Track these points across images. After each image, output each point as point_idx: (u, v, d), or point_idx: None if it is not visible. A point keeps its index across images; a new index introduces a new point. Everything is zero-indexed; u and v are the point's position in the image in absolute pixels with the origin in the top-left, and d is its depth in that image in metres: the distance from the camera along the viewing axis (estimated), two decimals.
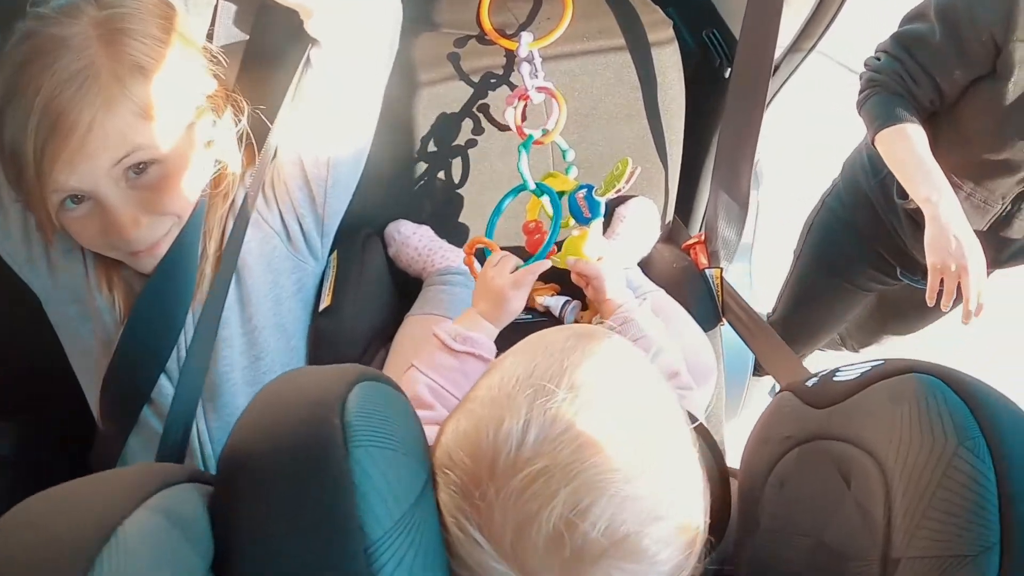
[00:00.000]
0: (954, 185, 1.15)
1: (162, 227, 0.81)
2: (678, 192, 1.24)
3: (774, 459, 0.60)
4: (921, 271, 1.28)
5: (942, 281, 1.13)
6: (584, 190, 0.96)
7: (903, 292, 1.49)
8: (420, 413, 0.59)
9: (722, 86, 1.14)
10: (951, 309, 1.21)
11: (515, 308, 0.89)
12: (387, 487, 0.44)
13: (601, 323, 0.94)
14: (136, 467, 0.48)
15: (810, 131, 2.40)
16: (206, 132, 0.84)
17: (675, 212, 1.25)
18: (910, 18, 1.17)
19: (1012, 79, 1.06)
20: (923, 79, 1.14)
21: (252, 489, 0.43)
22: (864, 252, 1.43)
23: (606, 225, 1.19)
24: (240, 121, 0.89)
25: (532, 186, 1.02)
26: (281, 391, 0.49)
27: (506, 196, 1.03)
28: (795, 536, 0.55)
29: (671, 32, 1.12)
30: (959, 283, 1.11)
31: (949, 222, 1.11)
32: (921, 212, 1.14)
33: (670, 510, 0.48)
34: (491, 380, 0.54)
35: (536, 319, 1.08)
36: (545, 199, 1.02)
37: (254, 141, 0.91)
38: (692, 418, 0.56)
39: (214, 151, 0.86)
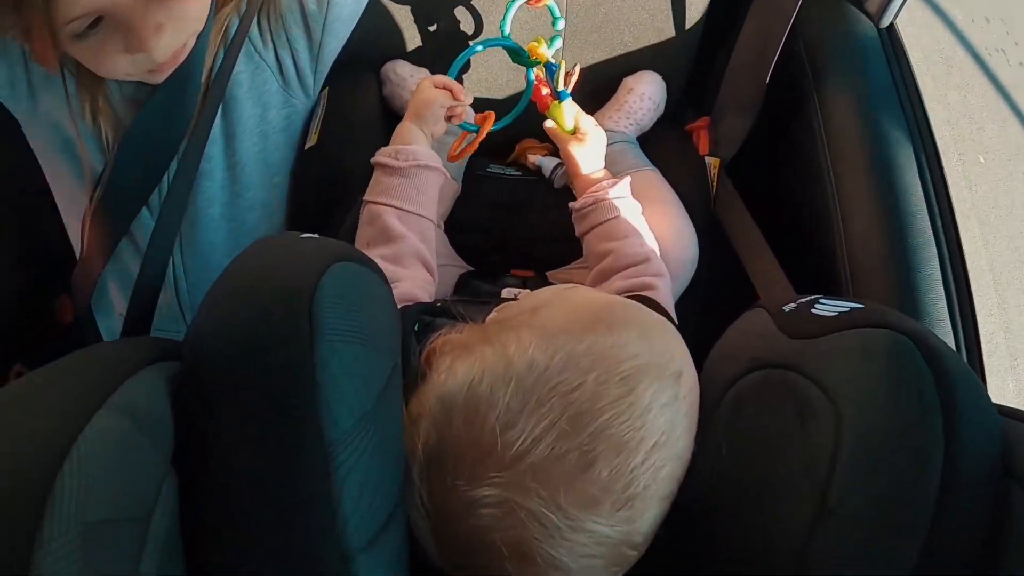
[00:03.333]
0: None
1: (182, 34, 0.74)
2: (692, 70, 1.17)
3: (736, 376, 0.59)
4: None
5: None
6: (547, 70, 0.93)
7: None
8: (387, 271, 0.57)
9: None
10: None
11: (429, 106, 0.87)
12: (351, 386, 0.41)
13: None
14: (101, 353, 0.44)
15: None
16: None
17: (684, 91, 1.20)
18: None
19: None
20: None
21: (213, 382, 0.41)
22: None
23: (610, 94, 1.15)
24: None
25: (504, 36, 0.97)
26: (252, 270, 0.45)
27: (479, 44, 0.95)
28: (741, 462, 0.56)
29: None
30: None
31: None
32: None
33: None
34: (527, 340, 0.49)
35: (526, 176, 1.07)
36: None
37: None
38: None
39: None
